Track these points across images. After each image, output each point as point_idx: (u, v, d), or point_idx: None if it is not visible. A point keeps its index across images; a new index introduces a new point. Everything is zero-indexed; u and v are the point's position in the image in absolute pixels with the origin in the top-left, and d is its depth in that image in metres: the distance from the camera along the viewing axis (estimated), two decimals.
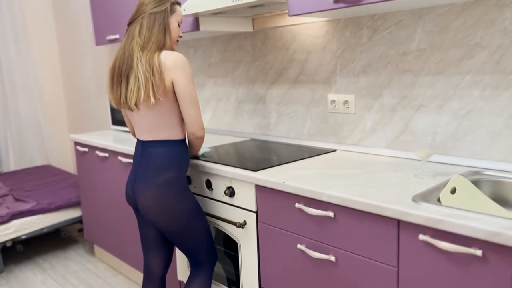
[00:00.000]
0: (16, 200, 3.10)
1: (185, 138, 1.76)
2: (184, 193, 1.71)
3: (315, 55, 2.07)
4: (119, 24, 2.68)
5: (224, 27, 2.22)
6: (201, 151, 1.99)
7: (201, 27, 2.14)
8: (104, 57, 3.65)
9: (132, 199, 1.73)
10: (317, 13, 1.65)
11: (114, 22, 2.75)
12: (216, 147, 2.21)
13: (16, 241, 2.95)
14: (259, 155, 1.97)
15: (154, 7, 1.66)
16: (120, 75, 1.67)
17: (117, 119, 2.94)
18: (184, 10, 1.96)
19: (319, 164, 1.76)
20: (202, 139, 1.75)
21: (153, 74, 1.59)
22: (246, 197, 1.70)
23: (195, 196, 1.95)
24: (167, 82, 1.61)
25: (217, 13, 2.00)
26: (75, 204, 3.14)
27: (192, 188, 1.96)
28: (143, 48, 1.63)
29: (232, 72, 2.54)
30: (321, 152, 1.97)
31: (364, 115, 1.92)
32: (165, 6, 1.67)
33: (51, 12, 4.27)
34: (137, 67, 1.61)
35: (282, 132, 2.30)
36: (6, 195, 3.21)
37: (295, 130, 2.23)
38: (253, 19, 2.34)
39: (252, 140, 2.40)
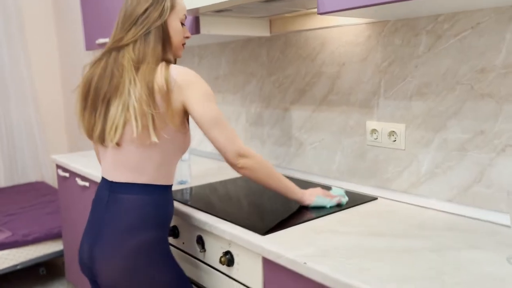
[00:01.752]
0: None
1: (169, 185, 1.27)
2: (165, 262, 1.21)
3: (351, 68, 1.56)
4: (110, 26, 2.23)
5: (232, 30, 1.73)
6: (317, 201, 1.37)
7: (203, 29, 1.65)
8: None
9: (88, 268, 1.23)
10: (360, 10, 1.14)
11: (103, 24, 2.29)
12: (215, 185, 1.71)
13: None
14: (272, 201, 1.46)
15: (146, 1, 1.20)
16: (97, 99, 1.20)
17: None
18: None
19: (354, 221, 1.24)
20: (251, 170, 1.22)
21: (154, 103, 1.12)
22: (250, 270, 1.19)
23: (183, 255, 1.45)
24: (176, 106, 1.16)
25: (221, 11, 1.51)
26: (57, 236, 2.67)
27: (179, 243, 1.46)
28: (137, 65, 1.15)
29: (243, 87, 2.04)
30: (357, 200, 1.44)
31: (418, 152, 1.39)
32: (162, 3, 1.20)
33: (52, 17, 3.88)
34: (129, 93, 1.13)
35: (304, 166, 1.79)
36: None
37: (321, 164, 1.71)
38: (270, 21, 1.85)
39: None
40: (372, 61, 1.49)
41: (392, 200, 1.46)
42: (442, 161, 1.33)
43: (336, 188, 1.48)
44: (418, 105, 1.38)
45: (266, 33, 1.84)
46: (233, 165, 1.22)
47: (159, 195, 1.21)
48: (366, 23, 1.50)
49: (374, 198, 1.47)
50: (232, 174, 1.89)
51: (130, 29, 1.18)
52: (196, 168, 2.04)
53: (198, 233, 1.36)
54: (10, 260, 2.49)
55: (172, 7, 1.22)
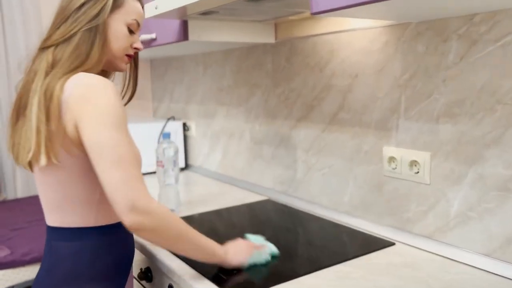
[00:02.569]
0: None
1: (116, 224, 1.03)
2: None
3: (365, 81, 1.28)
4: None
5: (228, 36, 1.49)
6: (250, 259, 1.05)
7: (191, 35, 1.42)
8: None
9: None
10: (368, 8, 0.87)
11: None
12: (208, 216, 1.47)
13: None
14: (274, 240, 1.20)
15: (85, 2, 0.97)
16: (18, 111, 0.98)
17: None
18: (156, 7, 1.25)
19: (369, 276, 0.96)
20: (149, 232, 0.87)
21: (47, 117, 0.89)
22: None
23: None
24: (70, 128, 0.90)
25: (207, 13, 1.27)
26: None
27: None
28: (49, 69, 0.93)
29: (247, 100, 1.79)
30: (371, 245, 1.16)
31: (446, 189, 1.10)
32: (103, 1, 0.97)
33: None
34: (32, 104, 0.91)
35: (311, 194, 1.52)
36: None
37: (331, 195, 1.44)
38: (275, 25, 1.59)
39: (270, 201, 1.63)
40: (390, 72, 1.21)
41: (413, 247, 1.16)
42: (477, 202, 1.03)
43: (251, 236, 1.16)
44: (447, 129, 1.08)
45: (271, 39, 1.59)
46: (123, 222, 0.85)
47: (96, 240, 0.98)
48: (382, 26, 1.22)
49: (391, 244, 1.18)
50: (236, 199, 1.65)
51: (60, 26, 0.96)
52: (194, 191, 1.81)
53: (170, 281, 1.12)
54: (5, 281, 2.35)
55: (117, 5, 0.98)
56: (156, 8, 1.25)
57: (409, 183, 1.18)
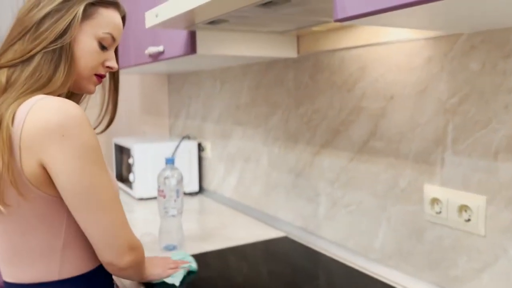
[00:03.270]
0: None
1: (86, 274, 0.85)
2: None
3: (403, 104, 1.06)
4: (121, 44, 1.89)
5: (242, 49, 1.30)
6: (170, 279, 1.04)
7: (200, 48, 1.24)
8: (132, 87, 2.93)
9: None
10: (405, 13, 0.66)
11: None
12: (215, 256, 1.27)
13: None
14: None
15: (48, 4, 0.80)
16: None
17: (124, 176, 2.13)
18: (157, 15, 1.08)
19: None
20: (134, 267, 0.86)
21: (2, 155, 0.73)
22: None
23: None
24: (29, 166, 0.73)
25: (220, 22, 1.09)
26: None
27: None
28: (4, 90, 0.77)
29: (266, 120, 1.60)
30: None
31: (508, 244, 0.86)
32: (72, 6, 0.80)
33: None
34: None
35: (336, 236, 1.30)
36: None
37: (359, 237, 1.21)
38: (298, 37, 1.39)
39: (288, 239, 1.42)
40: (434, 94, 0.98)
41: None
42: None
43: (176, 252, 1.19)
44: (509, 169, 0.85)
45: (293, 53, 1.39)
46: (115, 266, 0.82)
47: None
48: (425, 39, 1.00)
49: None
50: (250, 235, 1.44)
51: (15, 43, 0.79)
52: (205, 221, 1.62)
53: None
54: None
55: (87, 15, 0.81)
56: (156, 16, 1.08)
57: (458, 232, 0.95)
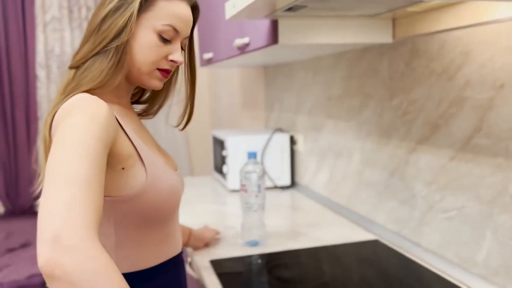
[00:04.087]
0: None
1: (152, 268, 0.83)
2: None
3: None
4: (214, 38, 1.91)
5: (329, 36, 1.20)
6: None
7: (282, 37, 1.18)
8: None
9: None
10: None
11: (209, 35, 1.99)
12: (301, 254, 1.21)
13: None
14: None
15: (110, 2, 0.80)
16: None
17: (219, 168, 2.16)
18: (234, 6, 1.04)
19: None
20: (67, 282, 0.53)
21: (44, 146, 0.77)
22: None
23: None
24: None
25: (298, 8, 1.01)
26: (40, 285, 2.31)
27: None
28: (64, 90, 0.79)
29: (359, 112, 1.48)
30: None
31: None
32: (131, 3, 0.79)
33: None
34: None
35: (432, 244, 1.15)
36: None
37: (459, 247, 1.06)
38: (393, 21, 1.25)
39: (380, 243, 1.30)
40: None
41: None
42: None
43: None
44: None
45: (387, 38, 1.26)
46: (38, 259, 0.55)
47: None
48: None
49: None
50: (339, 235, 1.36)
51: (85, 44, 0.80)
52: (293, 218, 1.56)
53: None
54: None
55: (145, 9, 0.79)
56: (234, 7, 1.04)
57: None
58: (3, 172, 3.39)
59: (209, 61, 2.04)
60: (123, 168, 0.76)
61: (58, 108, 0.75)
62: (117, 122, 0.77)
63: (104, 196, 0.76)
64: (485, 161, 0.97)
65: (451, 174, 1.07)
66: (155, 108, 0.99)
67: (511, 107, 0.90)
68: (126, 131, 0.79)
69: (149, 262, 0.83)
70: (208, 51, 2.00)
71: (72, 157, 0.62)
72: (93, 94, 0.78)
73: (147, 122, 4.08)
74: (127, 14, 0.77)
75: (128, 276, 0.80)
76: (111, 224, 0.78)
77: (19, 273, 2.33)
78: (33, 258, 2.52)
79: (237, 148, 1.94)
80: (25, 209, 3.43)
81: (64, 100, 0.76)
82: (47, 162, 0.63)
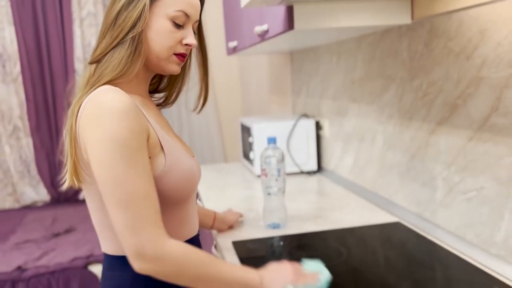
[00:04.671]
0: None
1: None
2: None
3: None
4: (237, 26, 1.94)
5: (345, 19, 1.21)
6: None
7: (297, 23, 1.19)
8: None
9: None
10: None
11: (233, 24, 2.02)
12: (321, 235, 1.23)
13: None
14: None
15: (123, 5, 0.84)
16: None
17: (247, 154, 2.21)
18: None
19: None
20: (165, 276, 0.78)
21: (71, 138, 0.81)
22: None
23: None
24: (83, 151, 0.81)
25: None
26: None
27: None
28: (86, 84, 0.84)
29: (380, 95, 1.47)
30: None
31: None
32: None
33: None
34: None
35: (452, 225, 1.14)
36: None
37: (478, 228, 1.05)
38: (411, 1, 1.24)
39: (401, 225, 1.30)
40: None
41: None
42: None
43: (309, 262, 0.90)
44: None
45: (406, 19, 1.24)
46: (131, 263, 0.77)
47: (126, 270, 0.83)
48: None
49: None
50: (361, 218, 1.37)
51: (102, 40, 0.84)
52: (317, 202, 1.59)
53: None
54: None
55: None
56: None
57: None
58: (47, 163, 3.58)
59: (234, 50, 2.07)
60: (149, 157, 0.81)
61: (83, 100, 0.80)
62: (144, 117, 0.82)
63: None
64: (502, 141, 0.95)
65: (470, 155, 1.06)
66: (174, 95, 1.03)
67: None
68: (150, 121, 0.84)
69: None
70: (232, 40, 2.03)
71: (133, 177, 0.74)
72: (115, 85, 0.82)
73: (182, 115, 4.14)
74: (140, 6, 0.81)
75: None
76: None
77: (64, 256, 2.47)
78: (76, 243, 2.67)
79: (262, 135, 1.97)
80: (69, 196, 3.62)
81: (89, 92, 0.81)
82: (103, 181, 0.75)
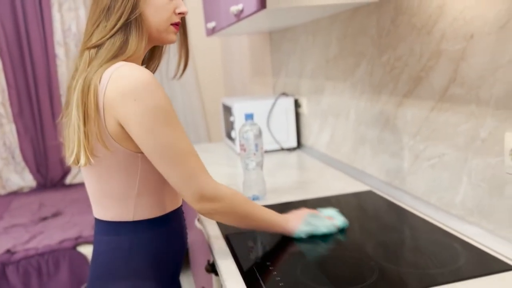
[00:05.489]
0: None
1: (156, 219, 0.95)
2: None
3: (483, 44, 0.93)
4: (215, 7, 1.97)
5: None
6: (302, 229, 1.05)
7: (269, 2, 1.24)
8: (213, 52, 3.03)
9: None
10: None
11: (211, 5, 2.05)
12: (296, 205, 1.31)
13: None
14: (373, 250, 1.00)
15: None
16: (65, 112, 0.96)
17: (229, 133, 2.27)
18: None
19: None
20: (221, 216, 0.95)
21: (85, 116, 0.84)
22: None
23: None
24: (111, 124, 0.85)
25: None
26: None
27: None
28: (92, 57, 0.88)
29: (353, 72, 1.53)
30: (488, 267, 0.86)
31: None
32: None
33: None
34: (72, 102, 0.88)
35: (418, 191, 1.22)
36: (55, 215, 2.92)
37: (441, 192, 1.13)
38: None
39: (372, 193, 1.38)
40: None
41: None
42: None
43: (325, 210, 1.16)
44: None
45: None
46: (196, 209, 0.92)
47: (134, 235, 0.91)
48: None
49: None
50: (335, 188, 1.45)
51: (98, 25, 0.89)
52: (294, 175, 1.66)
53: None
54: None
55: None
56: None
57: None
58: (32, 149, 3.59)
59: (213, 30, 2.10)
60: None
61: (98, 78, 0.84)
62: None
63: (137, 153, 0.89)
64: (460, 110, 1.03)
65: (432, 124, 1.13)
66: (154, 64, 1.08)
67: (480, 57, 0.95)
68: None
69: (161, 210, 0.95)
70: (211, 21, 2.06)
71: (178, 137, 0.86)
72: (128, 61, 0.88)
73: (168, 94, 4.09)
74: None
75: (144, 222, 0.92)
76: (137, 177, 0.90)
77: (52, 239, 2.52)
78: (64, 226, 2.72)
79: (243, 114, 2.02)
80: (55, 182, 3.64)
81: (96, 71, 0.84)
82: (152, 147, 0.84)
